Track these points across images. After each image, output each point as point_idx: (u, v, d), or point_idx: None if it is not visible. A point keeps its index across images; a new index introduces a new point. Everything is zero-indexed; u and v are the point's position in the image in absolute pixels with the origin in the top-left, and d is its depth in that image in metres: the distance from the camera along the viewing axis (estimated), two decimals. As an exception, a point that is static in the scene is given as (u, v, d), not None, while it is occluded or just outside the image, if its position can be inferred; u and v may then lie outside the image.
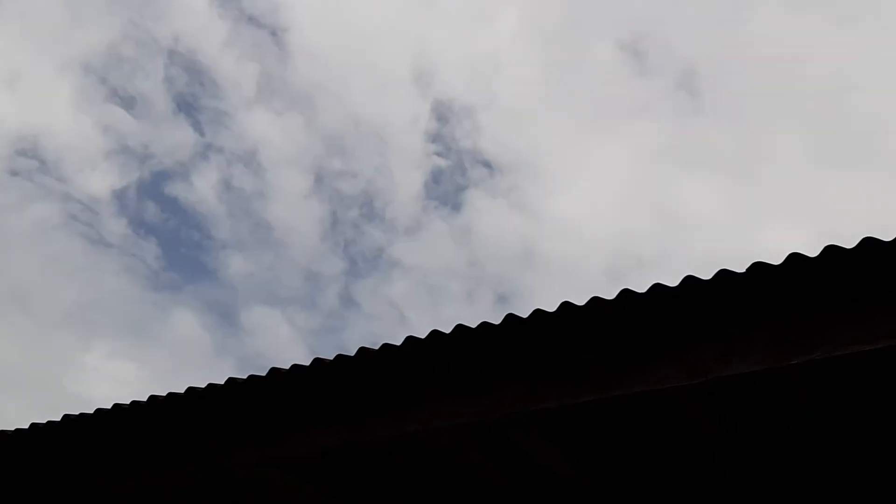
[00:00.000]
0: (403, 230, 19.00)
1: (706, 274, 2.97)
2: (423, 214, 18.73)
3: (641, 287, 3.06)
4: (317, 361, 3.66)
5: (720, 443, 3.45)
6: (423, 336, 3.45)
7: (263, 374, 3.81)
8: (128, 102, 18.35)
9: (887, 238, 2.74)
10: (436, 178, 19.36)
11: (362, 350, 3.53)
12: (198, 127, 18.73)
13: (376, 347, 3.51)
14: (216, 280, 19.86)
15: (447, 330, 3.37)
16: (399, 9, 18.99)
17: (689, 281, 2.99)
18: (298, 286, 19.28)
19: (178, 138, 18.37)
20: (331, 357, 3.68)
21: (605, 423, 3.43)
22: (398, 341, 3.50)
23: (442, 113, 19.41)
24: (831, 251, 2.80)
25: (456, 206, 19.47)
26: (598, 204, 18.74)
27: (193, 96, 18.57)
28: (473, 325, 3.35)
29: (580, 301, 3.16)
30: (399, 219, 18.74)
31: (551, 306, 3.20)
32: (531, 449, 3.63)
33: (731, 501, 3.78)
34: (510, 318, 3.26)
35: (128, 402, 4.13)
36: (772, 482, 3.61)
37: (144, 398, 4.04)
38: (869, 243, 2.76)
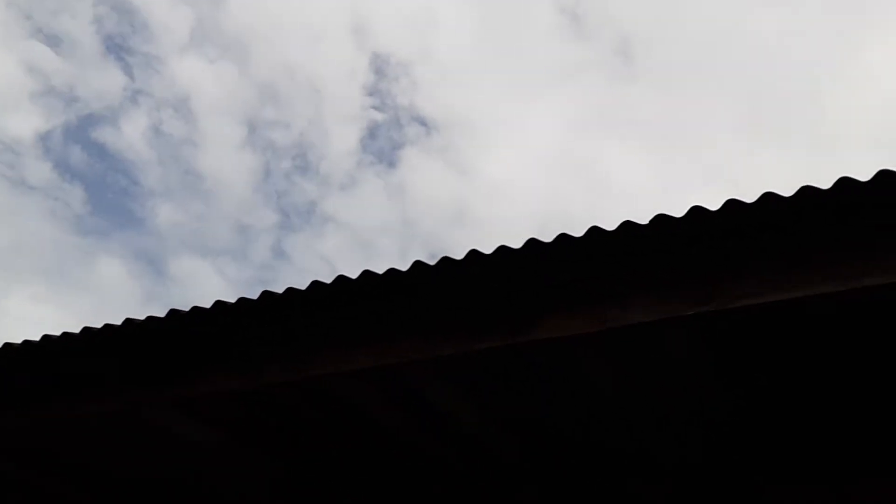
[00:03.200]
0: (338, 185, 18.77)
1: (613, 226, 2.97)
2: (357, 170, 18.53)
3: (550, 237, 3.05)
4: (218, 304, 3.56)
5: (620, 393, 3.48)
6: (329, 281, 3.38)
7: (163, 315, 3.70)
8: (53, 41, 17.54)
9: (787, 194, 2.77)
10: (372, 133, 19.13)
11: (265, 294, 3.44)
12: (127, 71, 18.04)
13: (280, 292, 3.43)
14: (144, 228, 19.35)
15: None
16: (337, -44, 18.48)
17: (594, 231, 2.98)
18: (229, 237, 18.93)
19: (106, 82, 17.68)
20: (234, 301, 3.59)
21: (506, 372, 3.43)
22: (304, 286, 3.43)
23: (379, 67, 19.10)
24: (732, 205, 2.82)
25: (391, 163, 19.30)
26: (531, 165, 18.84)
27: (123, 38, 17.85)
28: (380, 272, 3.30)
29: (487, 250, 3.13)
30: (333, 173, 18.49)
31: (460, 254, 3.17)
32: (433, 396, 3.62)
33: (632, 452, 3.85)
34: (416, 265, 3.22)
35: (20, 342, 3.98)
36: (673, 433, 3.68)
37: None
38: (768, 199, 2.78)
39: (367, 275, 3.30)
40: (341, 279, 3.34)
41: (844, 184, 2.70)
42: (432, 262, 3.22)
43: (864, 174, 2.70)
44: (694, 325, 2.91)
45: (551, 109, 18.27)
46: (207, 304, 3.57)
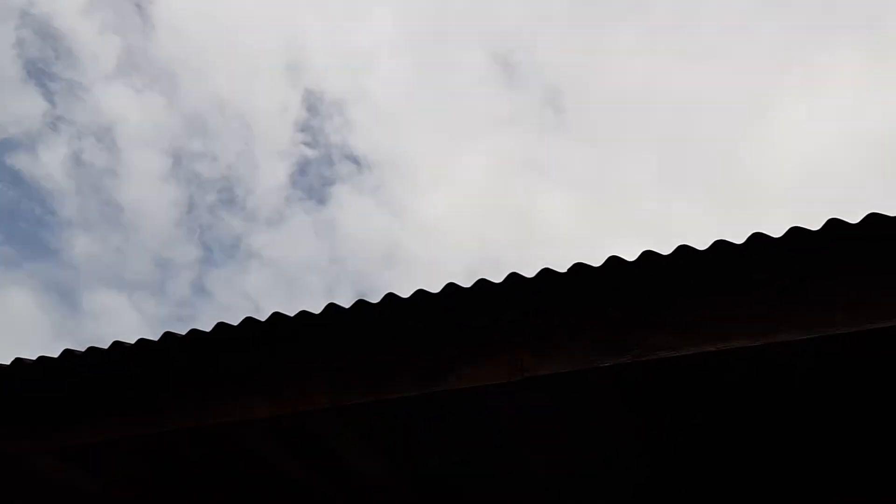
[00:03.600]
0: (264, 220, 18.38)
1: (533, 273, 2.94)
2: (286, 206, 18.22)
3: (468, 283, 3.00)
4: (116, 345, 3.36)
5: (534, 443, 3.42)
6: (236, 323, 3.23)
7: (56, 356, 3.46)
8: (-30, 64, 16.78)
9: (701, 247, 2.79)
10: (302, 169, 18.87)
11: (166, 335, 3.26)
12: (49, 97, 17.36)
13: (183, 333, 3.26)
14: (58, 259, 18.45)
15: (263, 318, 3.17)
16: (270, -6, 18.42)
17: (513, 278, 2.94)
18: (148, 271, 18.21)
19: (25, 107, 16.96)
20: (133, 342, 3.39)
21: (418, 422, 3.32)
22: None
23: (313, 104, 18.98)
24: (648, 257, 2.82)
25: (321, 200, 19.06)
26: (462, 208, 18.98)
27: (46, 64, 17.20)
28: (292, 314, 3.17)
29: (405, 293, 3.05)
30: (260, 208, 18.12)
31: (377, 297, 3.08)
32: (340, 447, 3.47)
33: (543, 502, 3.78)
34: (329, 308, 3.11)
35: None
36: (585, 483, 3.63)
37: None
38: (684, 251, 2.80)
39: (276, 317, 3.17)
40: (249, 321, 3.20)
41: (757, 239, 2.74)
42: (348, 304, 3.12)
43: (777, 230, 2.76)
44: (610, 376, 2.89)
45: (483, 154, 18.54)
46: (113, 343, 3.37)
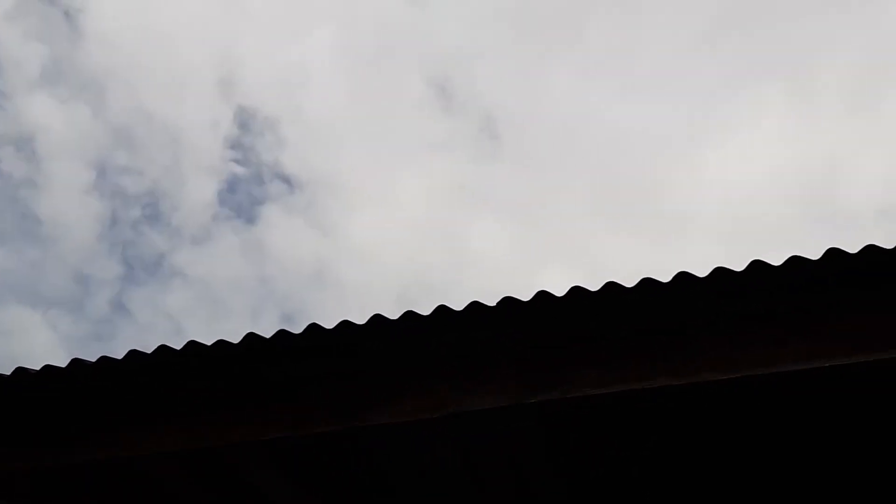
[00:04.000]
0: (190, 238, 17.89)
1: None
2: (213, 224, 17.79)
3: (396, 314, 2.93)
4: (18, 371, 3.19)
5: (457, 478, 3.36)
6: (150, 351, 3.10)
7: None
8: None
9: (629, 284, 2.79)
10: (231, 186, 18.49)
11: (74, 362, 3.12)
12: None
13: (92, 360, 3.11)
14: None
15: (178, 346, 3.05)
16: (209, 9, 18.14)
17: (441, 310, 2.89)
18: (65, 287, 17.54)
19: None
20: (40, 368, 3.22)
21: (342, 457, 3.24)
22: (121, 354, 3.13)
23: (245, 121, 18.63)
24: (577, 292, 2.81)
25: (250, 219, 18.70)
26: (394, 231, 18.84)
27: None
28: (208, 343, 3.06)
29: (330, 324, 2.98)
30: (186, 226, 17.65)
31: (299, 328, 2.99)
32: (260, 481, 3.36)
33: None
34: (249, 337, 3.01)
35: None
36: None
37: None
38: (611, 288, 2.79)
39: (191, 345, 3.05)
40: (162, 349, 3.07)
41: (682, 279, 2.75)
42: (269, 334, 3.03)
43: (702, 268, 2.77)
44: (537, 412, 2.85)
45: (417, 178, 18.49)
46: (35, 364, 3.20)
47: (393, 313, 2.90)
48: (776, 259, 2.72)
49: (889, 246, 2.62)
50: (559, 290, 2.83)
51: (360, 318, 2.96)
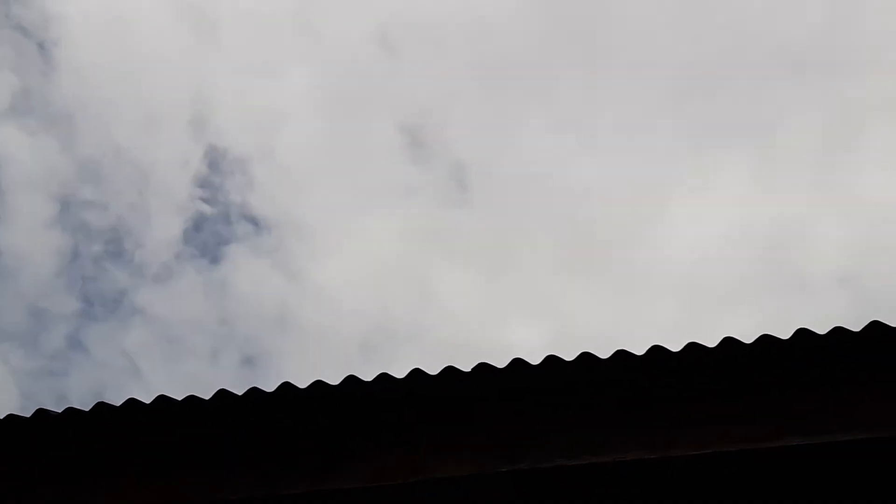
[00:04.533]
0: (152, 276, 17.71)
1: (434, 368, 2.90)
2: (176, 262, 17.65)
3: (369, 374, 2.92)
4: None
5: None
6: (118, 404, 3.05)
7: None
8: None
9: (604, 356, 2.81)
10: (197, 225, 18.38)
11: (38, 411, 3.04)
12: None
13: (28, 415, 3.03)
14: None
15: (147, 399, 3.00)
16: (184, 46, 18.25)
17: (415, 374, 2.89)
18: (20, 321, 17.18)
19: None
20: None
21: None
22: (87, 405, 3.06)
23: (215, 160, 18.63)
24: (552, 361, 2.83)
25: (214, 259, 18.57)
26: (360, 277, 18.85)
27: None
28: (179, 399, 3.01)
29: (302, 383, 2.96)
30: (149, 263, 17.48)
31: (271, 386, 2.96)
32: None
33: None
34: (220, 394, 2.97)
35: None
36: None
37: None
38: (586, 358, 2.82)
39: (162, 399, 3.00)
40: (131, 402, 3.02)
41: (656, 352, 2.79)
42: (240, 391, 2.99)
43: (676, 343, 2.81)
44: (507, 481, 2.84)
45: (386, 225, 18.61)
46: None
47: (359, 365, 2.90)
48: (747, 336, 2.78)
49: (856, 328, 2.69)
50: (534, 358, 2.86)
51: (332, 375, 2.96)
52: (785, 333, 2.75)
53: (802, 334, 2.69)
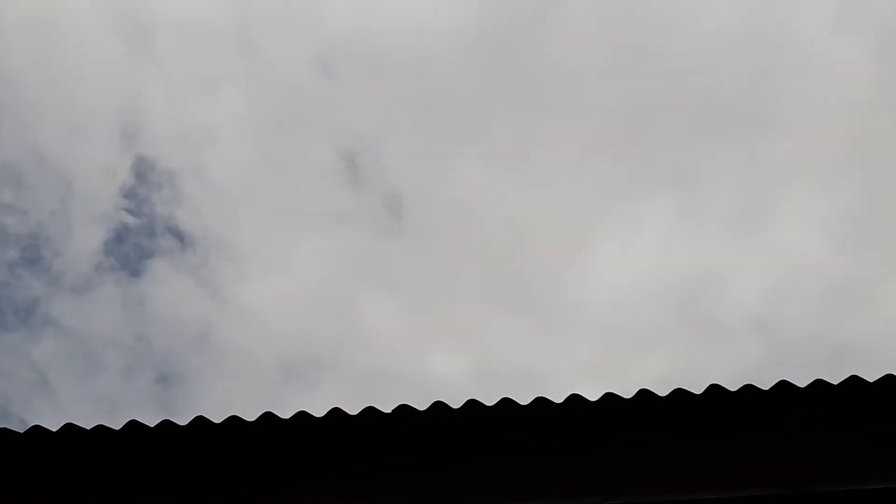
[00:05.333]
0: (69, 287, 17.16)
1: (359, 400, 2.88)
2: (95, 274, 17.16)
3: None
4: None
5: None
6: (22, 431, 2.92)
7: None
8: None
9: (523, 401, 2.83)
10: (120, 237, 17.89)
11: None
12: None
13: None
14: None
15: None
16: (118, 55, 17.88)
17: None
18: None
19: None
20: None
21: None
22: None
23: (143, 171, 18.20)
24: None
25: (135, 272, 18.08)
26: (285, 299, 18.63)
27: None
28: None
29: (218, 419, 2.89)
30: (67, 273, 16.94)
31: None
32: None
33: None
34: (130, 425, 2.89)
35: None
36: None
37: None
38: (506, 403, 2.83)
39: (69, 428, 2.90)
40: (36, 429, 2.90)
41: (574, 400, 2.82)
42: (152, 422, 2.91)
43: (593, 392, 2.85)
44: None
45: (317, 249, 18.45)
46: None
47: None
48: (663, 384, 2.83)
49: (765, 387, 2.77)
50: (455, 402, 2.86)
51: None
52: (699, 387, 2.82)
53: (714, 389, 2.76)
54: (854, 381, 2.71)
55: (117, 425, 2.92)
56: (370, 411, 2.84)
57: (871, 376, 2.72)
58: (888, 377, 2.71)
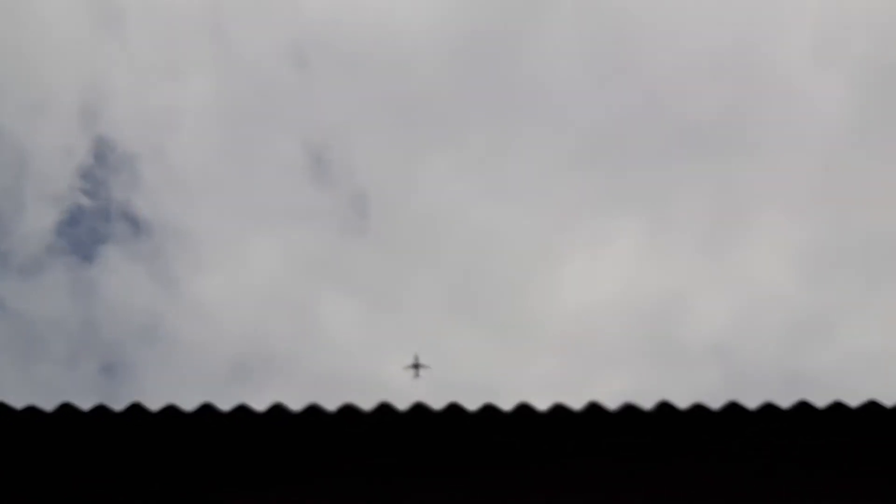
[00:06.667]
0: (17, 267, 16.65)
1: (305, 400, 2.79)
2: (46, 255, 16.67)
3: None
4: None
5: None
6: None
7: None
8: None
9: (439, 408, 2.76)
10: (74, 218, 17.45)
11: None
12: None
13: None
14: None
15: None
16: (84, 34, 17.46)
17: (277, 408, 2.79)
18: None
19: None
20: None
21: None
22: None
23: (102, 152, 17.76)
24: (418, 409, 2.77)
25: (87, 257, 17.68)
26: (241, 294, 18.29)
27: None
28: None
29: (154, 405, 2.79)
30: (16, 253, 16.43)
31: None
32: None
33: None
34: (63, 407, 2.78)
35: None
36: None
37: None
38: (453, 409, 2.77)
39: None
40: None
41: (522, 410, 2.77)
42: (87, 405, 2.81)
43: (543, 403, 2.80)
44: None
45: (277, 245, 18.13)
46: None
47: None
48: (616, 400, 2.78)
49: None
50: (401, 404, 2.80)
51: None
52: (650, 402, 2.79)
53: (665, 407, 2.73)
54: (804, 406, 2.69)
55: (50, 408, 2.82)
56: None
57: (823, 403, 2.70)
58: (837, 404, 2.69)
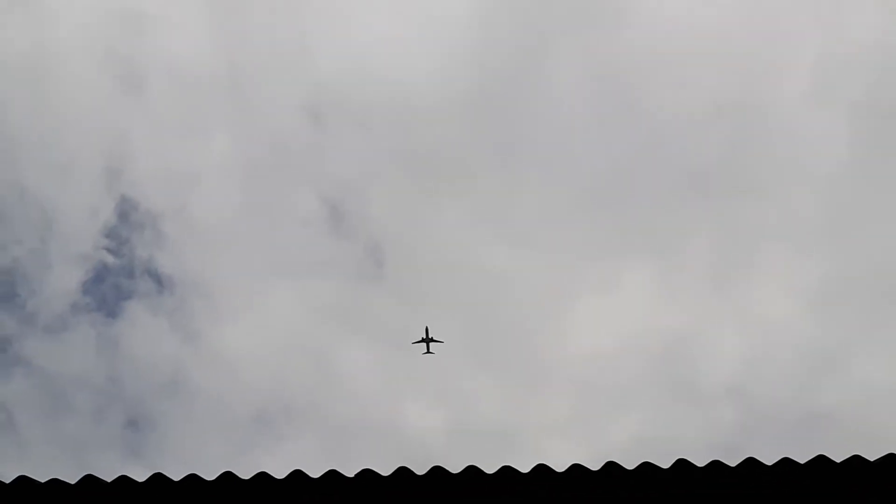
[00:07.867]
0: (43, 326, 16.83)
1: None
2: (70, 313, 16.86)
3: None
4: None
5: None
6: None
7: None
8: None
9: (490, 470, 2.79)
10: (99, 276, 17.65)
11: None
12: None
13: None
14: None
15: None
16: (107, 95, 17.88)
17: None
18: None
19: None
20: None
21: None
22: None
23: (125, 211, 18.04)
24: (436, 472, 2.79)
25: (112, 313, 17.85)
26: (261, 346, 18.39)
27: None
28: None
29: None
30: (41, 312, 16.62)
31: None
32: None
33: None
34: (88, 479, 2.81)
35: None
36: None
37: None
38: (471, 471, 2.80)
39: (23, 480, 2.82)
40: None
41: (541, 470, 2.79)
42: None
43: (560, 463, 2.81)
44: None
45: (295, 295, 18.29)
46: None
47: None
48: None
49: (732, 463, 2.74)
50: (420, 469, 2.83)
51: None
52: (667, 460, 2.80)
53: (682, 464, 2.75)
54: (821, 460, 2.70)
55: (73, 479, 2.85)
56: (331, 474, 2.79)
57: (840, 451, 2.70)
58: (855, 458, 2.70)
